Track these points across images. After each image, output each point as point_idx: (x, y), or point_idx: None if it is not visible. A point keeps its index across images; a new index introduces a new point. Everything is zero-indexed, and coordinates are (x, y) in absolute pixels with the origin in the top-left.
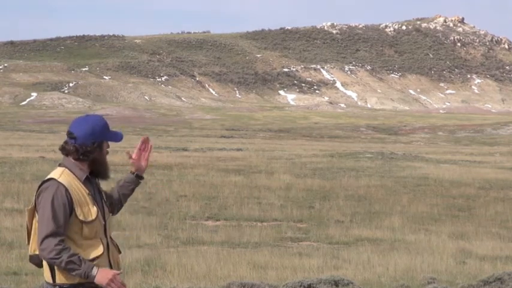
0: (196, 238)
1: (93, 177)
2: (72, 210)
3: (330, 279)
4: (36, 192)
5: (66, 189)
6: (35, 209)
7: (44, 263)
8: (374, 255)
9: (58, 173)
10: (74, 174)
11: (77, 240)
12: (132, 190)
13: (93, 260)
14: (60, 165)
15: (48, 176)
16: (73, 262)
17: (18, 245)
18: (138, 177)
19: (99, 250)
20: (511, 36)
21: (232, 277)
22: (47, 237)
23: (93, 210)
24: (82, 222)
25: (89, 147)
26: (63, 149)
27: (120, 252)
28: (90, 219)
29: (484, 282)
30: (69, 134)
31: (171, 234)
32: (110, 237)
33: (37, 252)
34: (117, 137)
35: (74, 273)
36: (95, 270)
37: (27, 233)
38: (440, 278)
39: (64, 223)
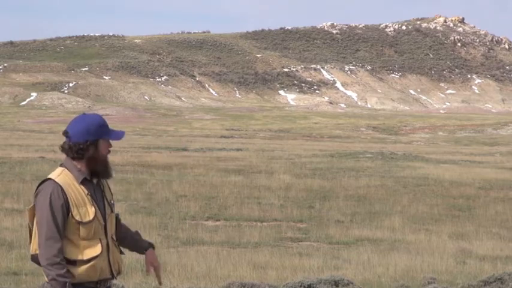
0: (196, 238)
1: (94, 177)
2: (68, 210)
3: (330, 279)
4: (35, 192)
5: (63, 190)
6: (34, 209)
7: None
8: (374, 255)
9: (56, 173)
10: (72, 174)
11: (75, 241)
12: (134, 241)
13: (89, 260)
14: (61, 165)
15: (47, 177)
16: (57, 282)
17: (18, 245)
18: (150, 245)
19: (97, 250)
20: (511, 36)
21: (232, 277)
22: (47, 239)
23: (91, 211)
24: (79, 222)
25: (81, 144)
26: (62, 148)
27: (122, 253)
28: (87, 220)
29: (484, 283)
30: (65, 133)
31: (171, 234)
32: (112, 237)
33: (38, 252)
34: (116, 135)
35: None
36: None
37: (29, 233)
38: (440, 278)
39: (62, 224)
